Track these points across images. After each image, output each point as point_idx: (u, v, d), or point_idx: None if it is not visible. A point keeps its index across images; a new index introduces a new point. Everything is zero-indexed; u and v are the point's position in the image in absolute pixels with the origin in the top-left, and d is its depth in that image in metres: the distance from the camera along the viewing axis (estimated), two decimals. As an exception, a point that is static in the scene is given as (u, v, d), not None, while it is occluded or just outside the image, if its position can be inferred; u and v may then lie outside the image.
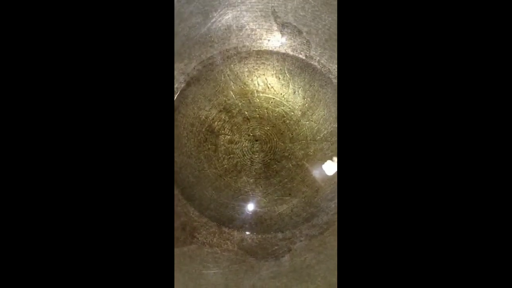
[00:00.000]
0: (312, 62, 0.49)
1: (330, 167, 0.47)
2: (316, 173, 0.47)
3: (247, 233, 0.46)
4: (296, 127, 0.48)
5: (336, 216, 0.46)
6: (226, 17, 0.47)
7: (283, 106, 0.48)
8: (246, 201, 0.47)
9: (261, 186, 0.47)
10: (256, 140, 0.47)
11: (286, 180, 0.47)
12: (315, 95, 0.48)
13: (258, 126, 0.47)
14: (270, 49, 0.49)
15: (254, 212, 0.46)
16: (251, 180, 0.47)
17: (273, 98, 0.48)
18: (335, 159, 0.47)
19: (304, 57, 0.49)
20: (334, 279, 0.41)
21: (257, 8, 0.47)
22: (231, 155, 0.47)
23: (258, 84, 0.48)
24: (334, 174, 0.47)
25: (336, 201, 0.46)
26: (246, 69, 0.48)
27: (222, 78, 0.48)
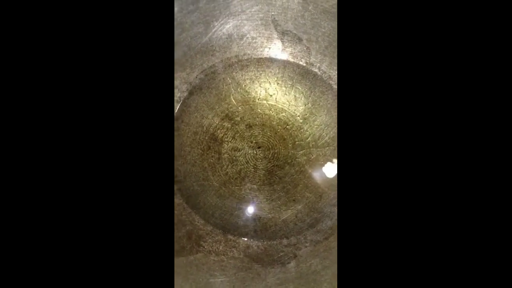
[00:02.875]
0: (312, 69, 0.49)
1: (330, 169, 0.47)
2: (317, 176, 0.47)
3: (253, 240, 0.46)
4: (298, 133, 0.48)
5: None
6: (227, 26, 0.48)
7: (285, 112, 0.48)
8: (251, 208, 0.47)
9: (265, 193, 0.47)
10: (259, 147, 0.47)
11: (289, 186, 0.47)
12: (316, 101, 0.49)
13: (261, 133, 0.48)
14: (271, 56, 0.49)
15: (259, 219, 0.46)
16: (255, 187, 0.47)
17: (275, 105, 0.48)
18: (335, 161, 0.47)
19: (304, 64, 0.49)
20: (340, 284, 0.41)
21: (257, 17, 0.48)
22: (235, 163, 0.47)
23: (259, 91, 0.49)
24: (335, 177, 0.47)
25: (339, 206, 0.47)
26: (248, 77, 0.49)
27: (224, 86, 0.49)
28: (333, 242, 0.45)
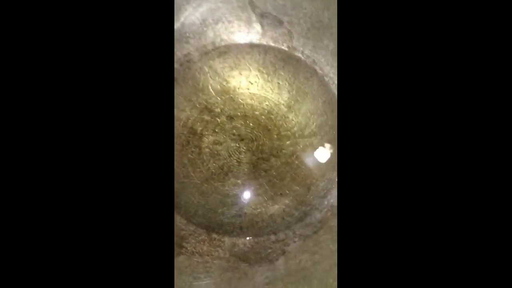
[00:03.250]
0: (295, 53, 0.46)
1: (323, 154, 0.45)
2: (309, 162, 0.45)
3: (239, 237, 0.44)
4: (283, 123, 0.45)
5: (329, 214, 0.44)
6: (201, 10, 0.44)
7: (268, 101, 0.46)
8: (236, 204, 0.44)
9: (251, 187, 0.45)
10: (242, 140, 0.45)
11: (275, 179, 0.45)
12: (300, 88, 0.46)
13: (243, 125, 0.45)
14: (251, 41, 0.46)
15: (245, 215, 0.44)
16: (239, 182, 0.44)
17: (257, 94, 0.46)
18: (327, 145, 0.45)
19: (286, 49, 0.46)
20: (330, 280, 0.39)
21: (233, -1, 0.44)
22: (217, 157, 0.44)
23: (240, 79, 0.46)
24: (327, 162, 0.45)
25: (328, 197, 0.45)
26: (226, 65, 0.46)
27: (201, 76, 0.45)
28: (323, 236, 0.43)
